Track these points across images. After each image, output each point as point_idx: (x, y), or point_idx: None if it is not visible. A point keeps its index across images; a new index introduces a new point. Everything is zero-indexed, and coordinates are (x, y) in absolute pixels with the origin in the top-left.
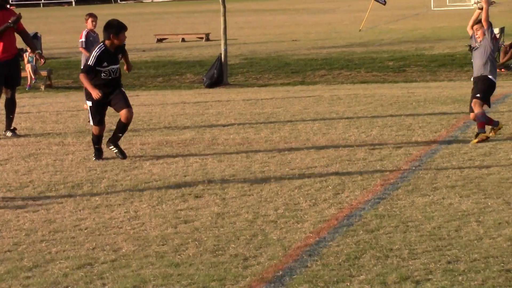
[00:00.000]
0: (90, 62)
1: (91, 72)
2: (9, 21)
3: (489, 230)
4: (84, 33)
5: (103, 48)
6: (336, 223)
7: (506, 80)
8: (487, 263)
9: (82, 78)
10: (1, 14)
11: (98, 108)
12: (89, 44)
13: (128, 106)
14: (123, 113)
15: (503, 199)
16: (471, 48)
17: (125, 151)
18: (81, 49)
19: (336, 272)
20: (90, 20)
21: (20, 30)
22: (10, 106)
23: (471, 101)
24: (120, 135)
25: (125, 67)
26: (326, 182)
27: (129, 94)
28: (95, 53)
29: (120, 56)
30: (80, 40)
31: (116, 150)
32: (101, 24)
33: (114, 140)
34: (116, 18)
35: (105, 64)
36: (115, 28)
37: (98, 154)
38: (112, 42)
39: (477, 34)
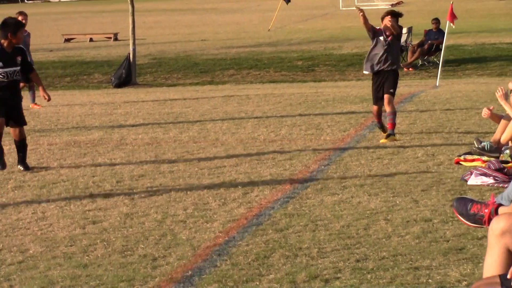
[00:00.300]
0: None
1: None
2: None
3: (397, 228)
4: None
5: None
6: (246, 223)
7: (414, 79)
8: (396, 261)
9: None
10: None
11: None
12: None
13: (20, 125)
14: (13, 131)
15: (411, 197)
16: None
17: (33, 151)
18: None
19: (246, 271)
20: (19, 18)
21: None
22: None
23: (381, 96)
24: (21, 154)
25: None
26: (235, 181)
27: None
28: None
29: (19, 59)
30: None
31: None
32: None
33: (21, 161)
34: (14, 17)
35: (1, 64)
36: (12, 27)
37: None
38: (10, 41)
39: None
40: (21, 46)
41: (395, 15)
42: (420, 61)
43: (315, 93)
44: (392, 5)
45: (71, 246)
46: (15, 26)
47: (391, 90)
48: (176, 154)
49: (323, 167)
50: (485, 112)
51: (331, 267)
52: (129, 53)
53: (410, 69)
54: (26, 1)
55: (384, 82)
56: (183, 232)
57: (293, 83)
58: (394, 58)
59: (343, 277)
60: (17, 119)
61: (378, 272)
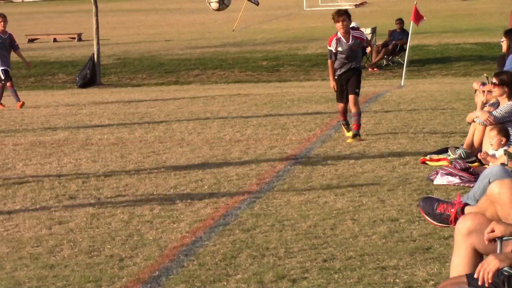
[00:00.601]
0: None
1: None
2: None
3: (364, 228)
4: None
5: None
6: (212, 223)
7: (379, 79)
8: (363, 261)
9: None
10: None
11: None
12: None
13: None
14: None
15: (377, 197)
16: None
17: None
18: None
19: (213, 271)
20: None
21: None
22: None
23: (346, 97)
24: None
25: None
26: (201, 181)
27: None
28: None
29: None
30: None
31: None
32: None
33: None
34: None
35: None
36: None
37: None
38: None
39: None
40: None
41: (348, 15)
42: (384, 61)
43: (280, 93)
44: (356, 5)
45: (37, 246)
46: None
47: (356, 90)
48: (142, 154)
49: (289, 167)
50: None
51: (298, 267)
52: (93, 53)
53: (375, 69)
54: None
55: (348, 81)
56: (149, 233)
57: (258, 83)
58: (357, 58)
59: (311, 277)
60: None
61: (345, 272)
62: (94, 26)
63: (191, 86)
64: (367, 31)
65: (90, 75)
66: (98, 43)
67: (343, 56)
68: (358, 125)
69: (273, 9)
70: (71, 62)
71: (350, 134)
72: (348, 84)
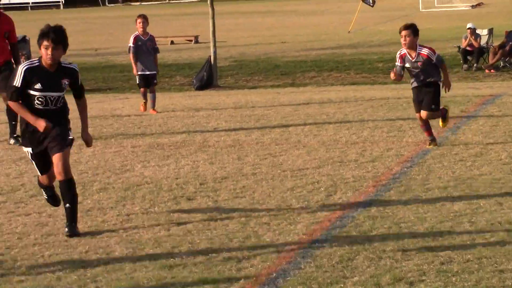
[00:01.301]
0: (15, 82)
1: (17, 95)
2: None
3: (481, 231)
4: (132, 37)
5: (36, 63)
6: (329, 225)
7: (495, 81)
8: (481, 264)
9: (14, 106)
10: None
11: (38, 156)
12: (138, 50)
13: (60, 149)
14: (55, 161)
15: (495, 199)
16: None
17: (117, 153)
18: (130, 56)
19: (330, 273)
20: (137, 22)
21: (11, 42)
22: (11, 113)
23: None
24: (69, 209)
25: None
26: (318, 183)
27: (120, 97)
28: (21, 68)
29: (66, 82)
30: (128, 45)
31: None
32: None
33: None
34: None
35: (39, 87)
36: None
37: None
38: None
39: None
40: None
41: (414, 30)
42: (501, 62)
43: (396, 95)
44: (472, 6)
45: (156, 248)
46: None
47: (432, 106)
48: (258, 157)
49: (405, 169)
50: None
51: (415, 270)
52: (210, 56)
53: (492, 70)
54: (107, 4)
55: (425, 95)
56: (267, 234)
57: (374, 85)
58: (430, 72)
59: (428, 279)
60: (55, 144)
61: (463, 275)
62: (211, 29)
63: (307, 88)
64: (483, 32)
65: (207, 78)
66: (214, 46)
67: (413, 72)
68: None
69: (388, 10)
70: (188, 64)
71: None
72: (424, 99)
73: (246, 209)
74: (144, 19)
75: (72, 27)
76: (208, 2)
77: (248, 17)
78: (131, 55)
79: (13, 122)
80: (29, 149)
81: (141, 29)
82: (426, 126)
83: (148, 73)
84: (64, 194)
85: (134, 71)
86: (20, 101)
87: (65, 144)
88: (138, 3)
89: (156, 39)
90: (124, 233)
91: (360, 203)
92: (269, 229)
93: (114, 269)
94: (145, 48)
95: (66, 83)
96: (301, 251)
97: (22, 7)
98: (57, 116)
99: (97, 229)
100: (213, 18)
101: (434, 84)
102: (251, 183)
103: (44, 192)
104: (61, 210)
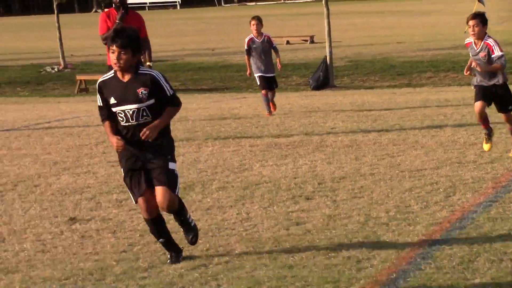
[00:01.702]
0: (98, 101)
1: (104, 115)
2: (116, 20)
3: None
4: (246, 40)
5: (112, 74)
6: (449, 226)
7: None
8: None
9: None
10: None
11: (132, 176)
12: (253, 52)
13: (164, 183)
14: (157, 195)
15: None
16: None
17: (235, 152)
18: (245, 58)
19: (450, 275)
20: (251, 24)
21: (141, 37)
22: None
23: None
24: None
25: None
26: (436, 184)
27: (237, 96)
28: (97, 83)
29: (145, 91)
30: (245, 49)
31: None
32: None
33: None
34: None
35: (114, 101)
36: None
37: (171, 250)
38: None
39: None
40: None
41: (483, 19)
42: None
43: None
44: None
45: (275, 247)
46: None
47: (510, 107)
48: (376, 157)
49: None
50: None
51: None
52: (325, 56)
53: None
54: (223, 4)
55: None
56: (386, 235)
57: None
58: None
59: None
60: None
61: None
62: (326, 29)
63: (423, 88)
64: None
65: (323, 77)
66: (330, 46)
67: (477, 70)
68: None
69: (505, 10)
70: (304, 64)
71: (487, 146)
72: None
73: (365, 209)
74: (258, 21)
75: (189, 27)
76: (323, 2)
77: (364, 17)
78: (246, 57)
79: None
80: (125, 170)
81: (255, 31)
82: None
83: (266, 75)
84: (176, 219)
85: (248, 72)
86: (110, 121)
87: (168, 176)
88: (253, 3)
89: (271, 38)
90: (243, 231)
91: (479, 204)
92: (388, 229)
93: (235, 267)
94: (260, 50)
95: (144, 92)
96: (421, 252)
97: (139, 7)
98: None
99: (217, 227)
100: (328, 18)
101: (502, 86)
102: (369, 183)
103: (154, 234)
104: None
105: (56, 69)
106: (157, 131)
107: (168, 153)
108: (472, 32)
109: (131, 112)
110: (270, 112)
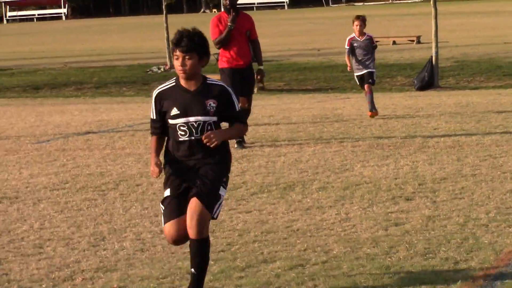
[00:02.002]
0: (151, 113)
1: (156, 128)
2: (228, 23)
3: None
4: (347, 39)
5: (172, 84)
6: None
7: None
8: None
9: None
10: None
11: (170, 202)
12: (353, 52)
13: (201, 196)
14: (188, 208)
15: None
16: None
17: (336, 153)
18: (345, 57)
19: None
20: (354, 24)
21: (252, 39)
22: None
23: None
24: (195, 273)
25: None
26: None
27: (341, 96)
28: (154, 93)
29: (214, 103)
30: (346, 48)
31: None
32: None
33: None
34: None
35: (176, 112)
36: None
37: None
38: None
39: None
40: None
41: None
42: None
43: None
44: None
45: (373, 247)
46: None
47: None
48: (478, 158)
49: None
50: None
51: None
52: (431, 56)
53: None
54: (331, 4)
55: None
56: (485, 236)
57: None
58: None
59: None
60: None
61: None
62: (433, 29)
63: None
64: None
65: (428, 78)
66: (436, 46)
67: None
68: None
69: None
70: (410, 64)
71: None
72: None
73: (465, 210)
74: (362, 21)
75: (295, 27)
76: (431, 2)
77: (471, 17)
78: (346, 57)
79: None
80: (167, 192)
81: (358, 31)
82: None
83: (363, 72)
84: (193, 255)
85: (348, 68)
86: (159, 137)
87: (212, 192)
88: (361, 4)
89: (377, 39)
90: (342, 232)
91: None
92: (487, 231)
93: (332, 267)
94: (361, 50)
95: (213, 105)
96: None
97: (248, 8)
98: (206, 150)
99: (316, 227)
100: (435, 18)
101: None
102: (470, 185)
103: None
104: (280, 208)
105: (162, 69)
106: (221, 139)
107: (221, 174)
108: None
109: (195, 125)
110: (373, 112)
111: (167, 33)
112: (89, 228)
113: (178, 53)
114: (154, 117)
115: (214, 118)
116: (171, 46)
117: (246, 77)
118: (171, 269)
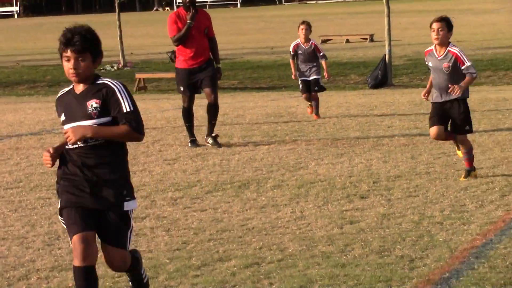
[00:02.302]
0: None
1: None
2: (188, 20)
3: None
4: (292, 45)
5: (70, 87)
6: (503, 225)
7: None
8: None
9: None
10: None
11: (69, 212)
12: (298, 58)
13: (113, 240)
14: (104, 252)
15: None
16: None
17: (290, 153)
18: (291, 64)
19: (504, 274)
20: (300, 28)
21: (210, 37)
22: (212, 111)
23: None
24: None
25: None
26: (492, 183)
27: (294, 94)
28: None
29: (96, 103)
30: (291, 53)
31: None
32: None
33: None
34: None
35: (63, 118)
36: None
37: None
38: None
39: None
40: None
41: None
42: None
43: None
44: None
45: (329, 245)
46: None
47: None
48: (432, 155)
49: None
50: None
51: None
52: (384, 54)
53: None
54: (284, 3)
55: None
56: (440, 234)
57: None
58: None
59: None
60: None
61: None
62: (386, 27)
63: (482, 87)
64: None
65: (382, 76)
66: (390, 44)
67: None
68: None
69: None
70: (363, 63)
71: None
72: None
73: (419, 208)
74: (308, 25)
75: (249, 25)
76: (384, 0)
77: (424, 16)
78: (291, 62)
79: (212, 121)
80: (61, 201)
81: (303, 36)
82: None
83: (308, 79)
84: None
85: (293, 76)
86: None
87: (121, 230)
88: (314, 1)
89: (330, 37)
90: (297, 230)
91: None
92: (442, 228)
93: (287, 265)
94: (304, 57)
95: (95, 105)
96: (475, 251)
97: (200, 5)
98: (96, 160)
99: (271, 225)
100: (388, 16)
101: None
102: (424, 182)
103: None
104: (236, 207)
105: (115, 67)
106: (83, 135)
107: (122, 187)
108: (436, 37)
109: None
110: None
111: (120, 31)
112: (43, 227)
113: (69, 53)
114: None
115: (102, 120)
116: (59, 46)
117: (206, 72)
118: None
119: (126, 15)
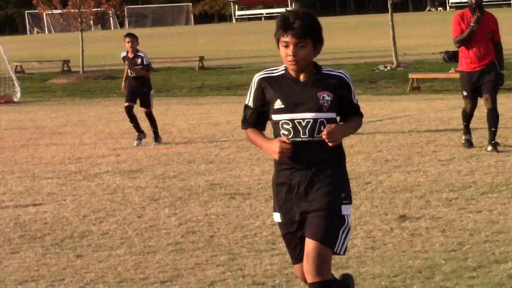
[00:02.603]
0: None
1: (250, 119)
2: (471, 23)
3: None
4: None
5: (282, 71)
6: None
7: None
8: None
9: (247, 135)
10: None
11: (287, 239)
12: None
13: (318, 238)
14: (306, 250)
15: None
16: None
17: None
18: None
19: None
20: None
21: (494, 41)
22: (490, 118)
23: None
24: None
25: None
26: None
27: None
28: (256, 77)
29: (329, 97)
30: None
31: None
32: None
33: None
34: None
35: (279, 106)
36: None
37: None
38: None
39: None
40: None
41: None
42: None
43: None
44: None
45: None
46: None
47: None
48: None
49: None
50: None
51: None
52: None
53: None
54: None
55: None
56: None
57: None
58: None
59: None
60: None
61: None
62: None
63: None
64: None
65: None
66: None
67: None
68: None
69: None
70: None
71: None
72: None
73: None
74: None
75: None
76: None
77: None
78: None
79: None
80: (277, 216)
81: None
82: None
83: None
84: None
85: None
86: (252, 129)
87: (330, 225)
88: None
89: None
90: None
91: None
92: None
93: None
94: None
95: (327, 98)
96: None
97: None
98: (317, 155)
99: None
100: None
101: None
102: None
103: None
104: (511, 209)
105: (389, 68)
106: (341, 136)
107: (339, 189)
108: None
109: (304, 123)
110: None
111: (393, 32)
112: None
113: (287, 38)
114: (251, 105)
115: (330, 115)
116: (276, 30)
117: (488, 77)
118: (402, 267)
119: (399, 15)
